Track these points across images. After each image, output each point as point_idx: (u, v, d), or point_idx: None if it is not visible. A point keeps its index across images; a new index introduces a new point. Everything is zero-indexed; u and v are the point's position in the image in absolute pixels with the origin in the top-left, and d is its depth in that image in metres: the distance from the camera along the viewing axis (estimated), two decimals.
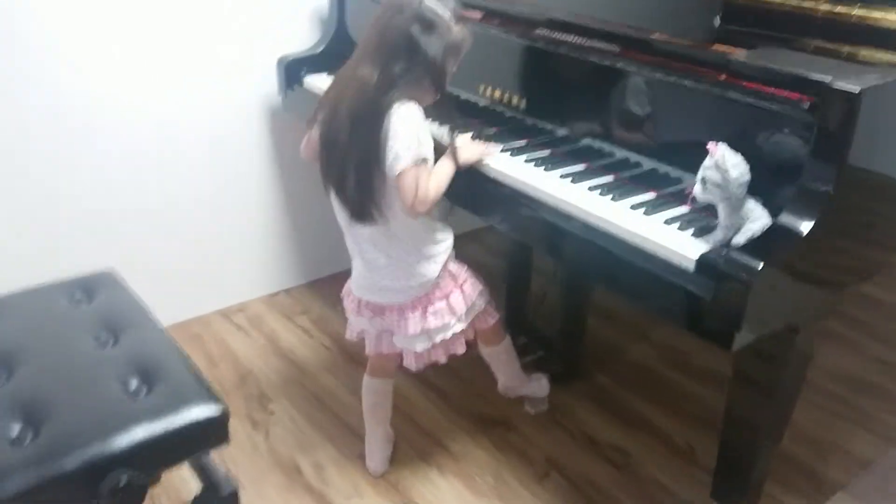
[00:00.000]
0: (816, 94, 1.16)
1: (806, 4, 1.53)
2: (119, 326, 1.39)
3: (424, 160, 1.43)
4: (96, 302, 1.48)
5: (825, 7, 1.50)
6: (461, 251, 1.69)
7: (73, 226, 2.09)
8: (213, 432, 1.22)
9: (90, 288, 1.51)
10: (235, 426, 1.99)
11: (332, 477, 1.84)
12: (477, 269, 1.71)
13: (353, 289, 1.67)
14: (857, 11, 1.46)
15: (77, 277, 1.55)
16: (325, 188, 1.53)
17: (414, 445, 1.94)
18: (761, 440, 1.51)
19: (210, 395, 1.24)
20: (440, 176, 1.50)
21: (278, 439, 1.96)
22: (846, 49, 1.42)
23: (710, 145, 1.19)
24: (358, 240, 1.55)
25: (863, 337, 2.41)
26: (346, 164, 1.43)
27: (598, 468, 1.87)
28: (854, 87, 1.12)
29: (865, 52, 1.41)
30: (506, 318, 2.27)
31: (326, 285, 2.59)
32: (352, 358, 2.22)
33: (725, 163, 1.17)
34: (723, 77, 1.32)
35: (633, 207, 1.36)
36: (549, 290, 2.20)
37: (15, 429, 1.15)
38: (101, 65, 1.99)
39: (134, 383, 1.25)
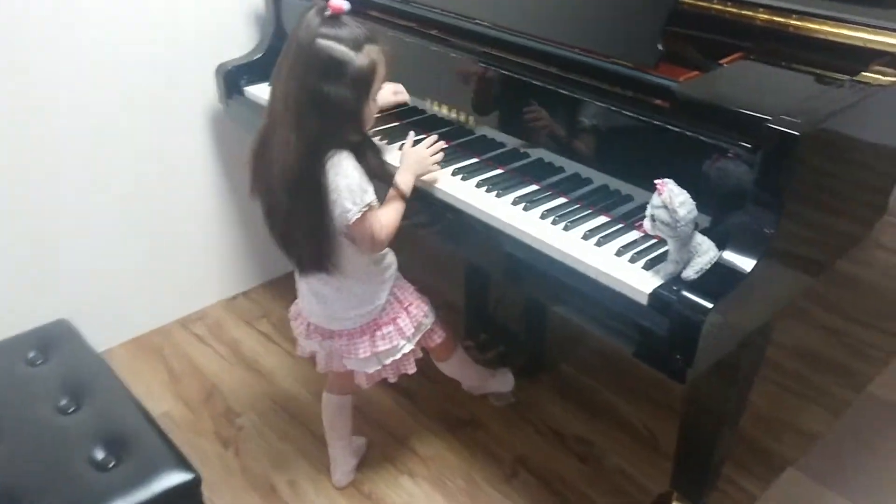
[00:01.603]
0: (756, 131, 1.16)
1: (745, 12, 1.55)
2: (80, 389, 1.38)
3: (370, 205, 1.42)
4: (53, 361, 1.46)
5: (764, 16, 1.52)
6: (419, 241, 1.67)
7: (17, 242, 2.03)
8: (187, 499, 1.23)
9: (45, 344, 1.49)
10: (206, 447, 2.02)
11: (308, 493, 1.88)
12: (435, 259, 1.68)
13: (303, 312, 1.68)
14: (795, 21, 1.48)
15: (31, 331, 1.53)
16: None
17: (384, 452, 1.98)
18: (721, 426, 1.56)
19: (180, 460, 1.25)
20: (392, 214, 1.49)
21: (249, 456, 1.98)
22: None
23: (658, 183, 1.21)
24: (308, 279, 1.55)
25: (816, 308, 2.48)
26: (292, 228, 1.42)
27: (565, 462, 1.94)
28: (794, 130, 1.11)
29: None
30: (466, 314, 2.31)
31: (283, 284, 2.58)
32: (315, 364, 2.23)
33: (673, 202, 1.18)
34: (665, 104, 1.33)
35: (586, 236, 1.37)
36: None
37: None
38: (37, 74, 1.92)
39: (101, 454, 1.25)
